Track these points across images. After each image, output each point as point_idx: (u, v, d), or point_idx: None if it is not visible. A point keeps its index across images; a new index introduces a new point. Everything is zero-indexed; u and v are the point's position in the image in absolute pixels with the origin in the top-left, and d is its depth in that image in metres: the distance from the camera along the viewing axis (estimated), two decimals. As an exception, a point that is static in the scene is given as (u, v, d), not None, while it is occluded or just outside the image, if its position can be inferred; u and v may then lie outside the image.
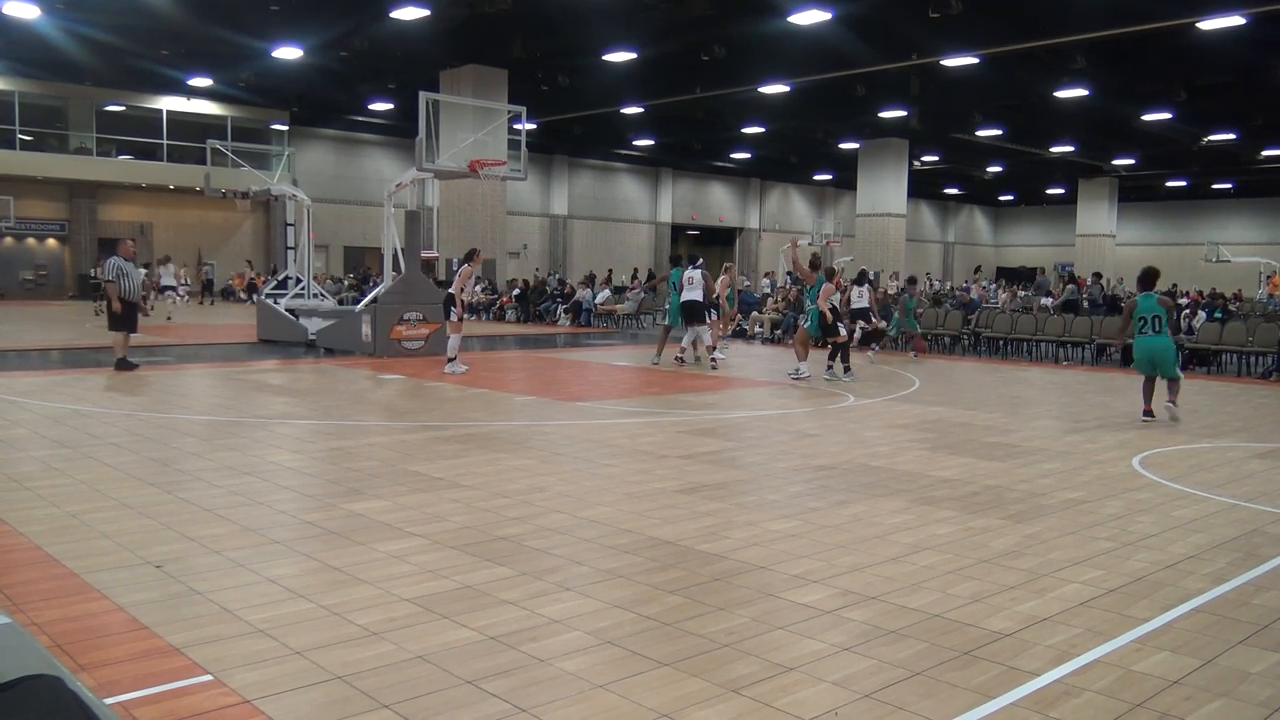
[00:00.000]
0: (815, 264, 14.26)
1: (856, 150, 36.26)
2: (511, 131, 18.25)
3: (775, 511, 6.18)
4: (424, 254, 21.00)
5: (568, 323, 25.88)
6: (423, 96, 15.11)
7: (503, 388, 11.82)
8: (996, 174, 44.40)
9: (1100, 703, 3.49)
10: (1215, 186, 46.43)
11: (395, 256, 16.23)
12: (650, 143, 38.63)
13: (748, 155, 41.28)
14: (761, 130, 32.78)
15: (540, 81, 25.64)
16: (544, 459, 7.75)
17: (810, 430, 9.48)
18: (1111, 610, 4.46)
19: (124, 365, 12.81)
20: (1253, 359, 16.80)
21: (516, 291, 28.27)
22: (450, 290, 13.92)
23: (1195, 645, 4.06)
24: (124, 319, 12.87)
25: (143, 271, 14.28)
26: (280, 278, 21.34)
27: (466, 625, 4.06)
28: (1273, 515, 6.36)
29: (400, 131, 35.34)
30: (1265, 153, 35.20)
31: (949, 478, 7.31)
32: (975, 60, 21.42)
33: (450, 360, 13.72)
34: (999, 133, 31.83)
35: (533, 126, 28.22)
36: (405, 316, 15.80)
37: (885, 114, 28.87)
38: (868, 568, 5.00)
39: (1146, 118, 27.89)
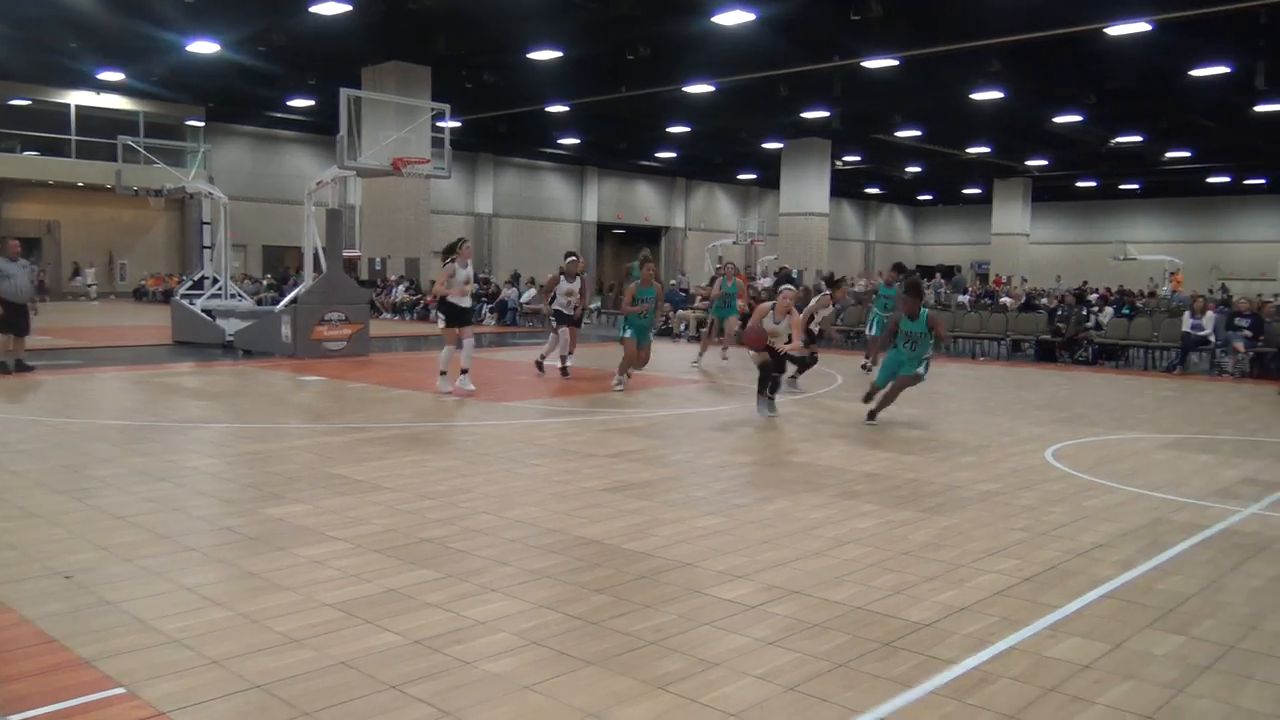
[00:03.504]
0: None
1: (780, 150, 36.67)
2: (435, 129, 18.05)
3: (701, 508, 6.23)
4: (346, 253, 20.65)
5: (493, 322, 25.71)
6: (344, 93, 14.86)
7: (428, 388, 11.69)
8: (916, 174, 45.33)
9: (1015, 689, 3.59)
10: (1123, 187, 48.03)
11: (316, 256, 15.94)
12: (576, 141, 38.60)
13: (673, 154, 41.48)
14: (687, 129, 32.98)
15: (464, 79, 25.43)
16: (470, 460, 7.69)
17: (735, 426, 9.56)
18: (1026, 599, 4.59)
19: (19, 368, 12.43)
20: (1158, 353, 17.42)
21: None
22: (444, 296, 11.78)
23: (1104, 630, 4.20)
24: (7, 322, 12.43)
25: (34, 269, 13.68)
26: (196, 278, 20.80)
27: (390, 629, 4.01)
28: (1177, 504, 6.60)
29: (321, 129, 34.72)
30: (1169, 154, 36.52)
31: (870, 472, 7.44)
32: (895, 62, 21.83)
33: (442, 374, 11.48)
34: (918, 134, 32.50)
35: (457, 124, 28.00)
36: (327, 317, 15.53)
37: (808, 114, 29.27)
38: (792, 562, 5.07)
39: (1058, 120, 28.72)
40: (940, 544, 5.49)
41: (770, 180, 42.00)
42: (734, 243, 35.57)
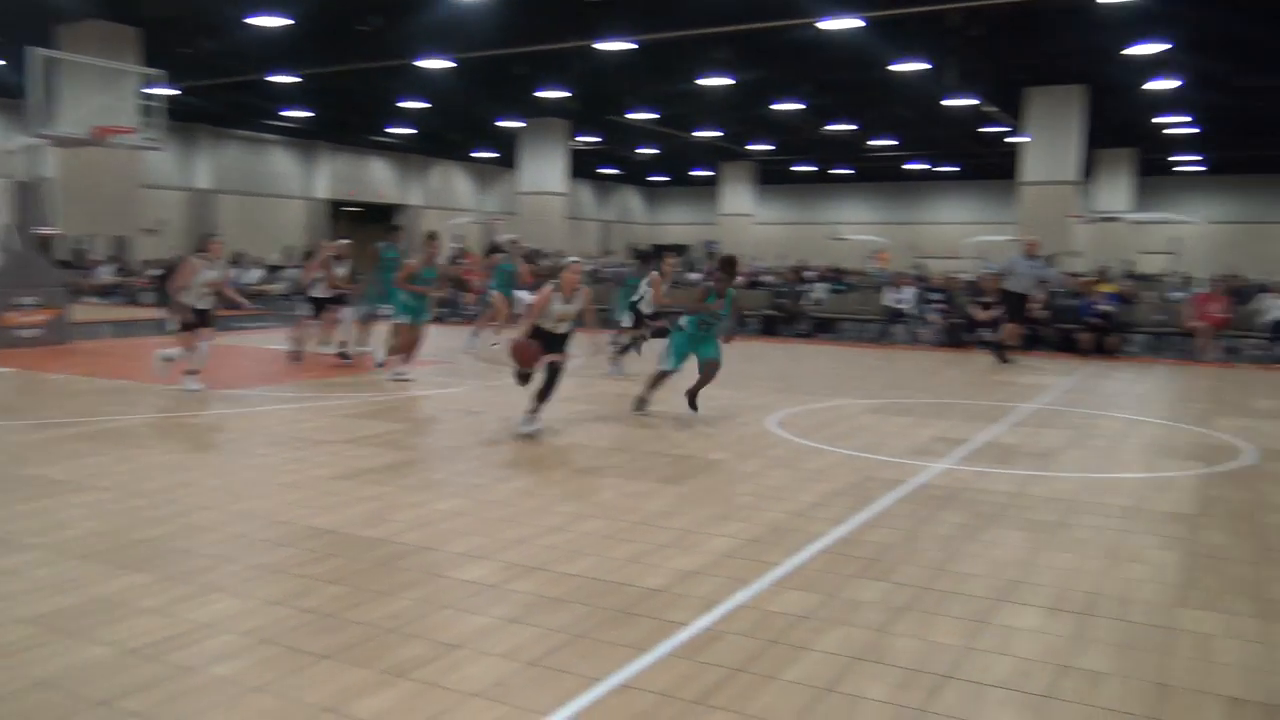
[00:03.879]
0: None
1: (518, 129, 36.62)
2: (147, 97, 16.61)
3: (441, 491, 6.16)
4: (40, 230, 18.64)
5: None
6: (34, 53, 13.37)
7: (139, 376, 10.78)
8: (650, 155, 46.63)
9: (742, 643, 3.82)
10: (836, 172, 51.67)
11: (4, 233, 14.28)
12: (305, 115, 36.73)
13: (409, 131, 40.42)
14: (423, 106, 32.20)
15: (179, 43, 23.51)
16: (189, 452, 7.20)
17: (475, 408, 9.51)
18: (751, 558, 4.88)
19: None
20: (866, 325, 18.94)
21: (158, 272, 25.88)
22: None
23: (820, 582, 4.55)
24: None
25: None
26: None
27: (98, 641, 3.70)
28: (881, 463, 7.23)
29: (9, 91, 31.04)
30: (875, 142, 39.64)
31: (609, 447, 7.64)
32: (630, 46, 22.32)
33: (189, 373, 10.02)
34: (652, 116, 33.41)
35: (175, 92, 25.83)
36: (17, 301, 13.97)
37: (545, 94, 29.36)
38: (531, 539, 5.12)
39: (780, 107, 30.44)
40: (673, 512, 5.72)
41: (509, 159, 41.86)
42: (472, 221, 35.22)
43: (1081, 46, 22.18)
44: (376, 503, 5.80)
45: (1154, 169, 44.70)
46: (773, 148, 42.73)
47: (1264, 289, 17.42)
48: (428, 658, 3.62)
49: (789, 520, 5.60)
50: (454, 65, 25.33)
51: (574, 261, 8.33)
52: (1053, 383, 12.26)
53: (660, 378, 9.09)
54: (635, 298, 12.17)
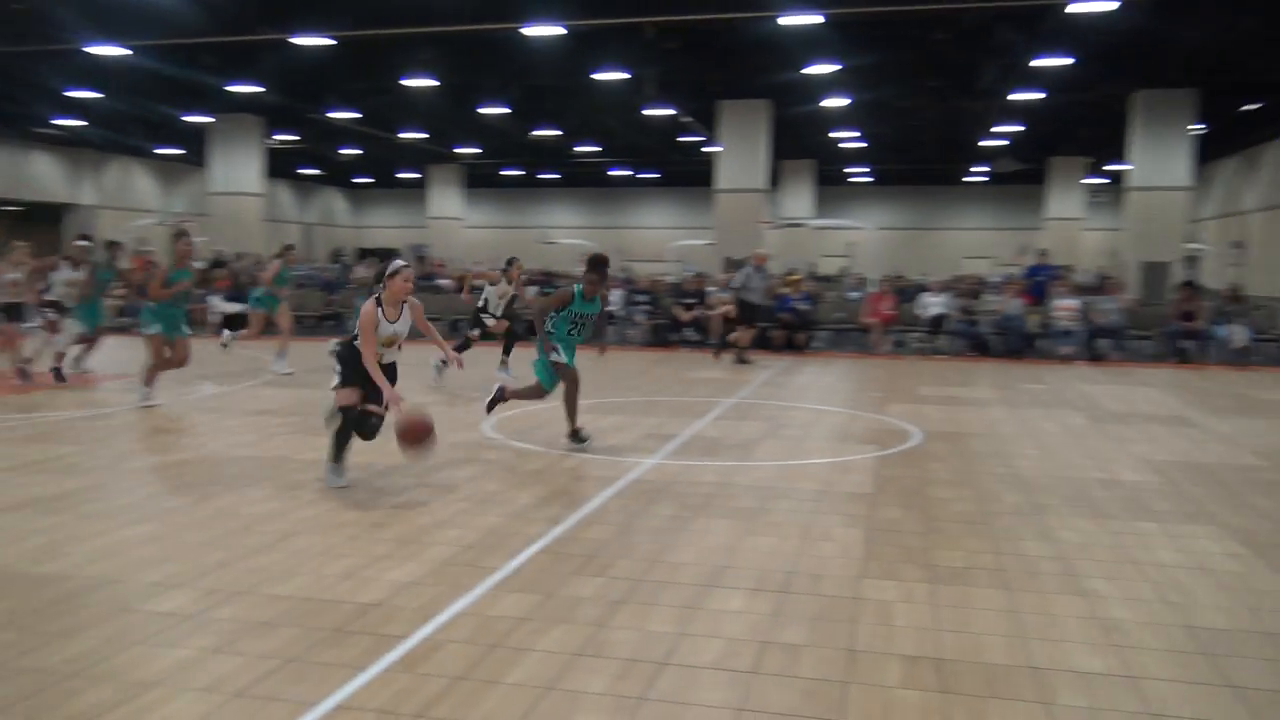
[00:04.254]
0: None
1: (207, 124, 34.18)
2: None
3: (128, 516, 5.64)
4: None
5: None
6: None
7: None
8: (353, 156, 45.08)
9: (463, 651, 3.80)
10: (544, 176, 52.39)
11: None
12: (-54, 101, 32.29)
13: (80, 123, 36.63)
14: (97, 96, 29.28)
15: None
16: None
17: (164, 425, 8.79)
18: (470, 564, 4.85)
19: None
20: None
21: None
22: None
23: (539, 583, 4.60)
24: None
25: None
26: None
27: None
28: (595, 461, 7.42)
29: None
30: (580, 148, 40.58)
31: (313, 459, 7.31)
32: (329, 41, 21.45)
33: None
34: (354, 115, 32.30)
35: None
36: None
37: (237, 88, 27.62)
38: (235, 562, 4.81)
39: (486, 111, 30.43)
40: (389, 523, 5.58)
41: (198, 156, 39.01)
42: (158, 223, 32.49)
43: (766, 64, 23.84)
44: (51, 535, 5.22)
45: (831, 179, 48.86)
46: (480, 151, 42.63)
47: (924, 288, 19.50)
48: (116, 701, 3.31)
49: (507, 524, 5.62)
50: (129, 53, 23.29)
51: (404, 267, 6.29)
52: (749, 378, 13.09)
53: (536, 396, 8.09)
54: (480, 303, 12.08)
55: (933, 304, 17.75)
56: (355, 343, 6.27)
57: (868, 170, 48.05)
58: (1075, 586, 4.67)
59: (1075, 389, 12.29)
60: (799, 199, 43.48)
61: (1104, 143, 35.43)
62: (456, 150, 42.48)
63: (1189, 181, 30.98)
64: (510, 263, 12.41)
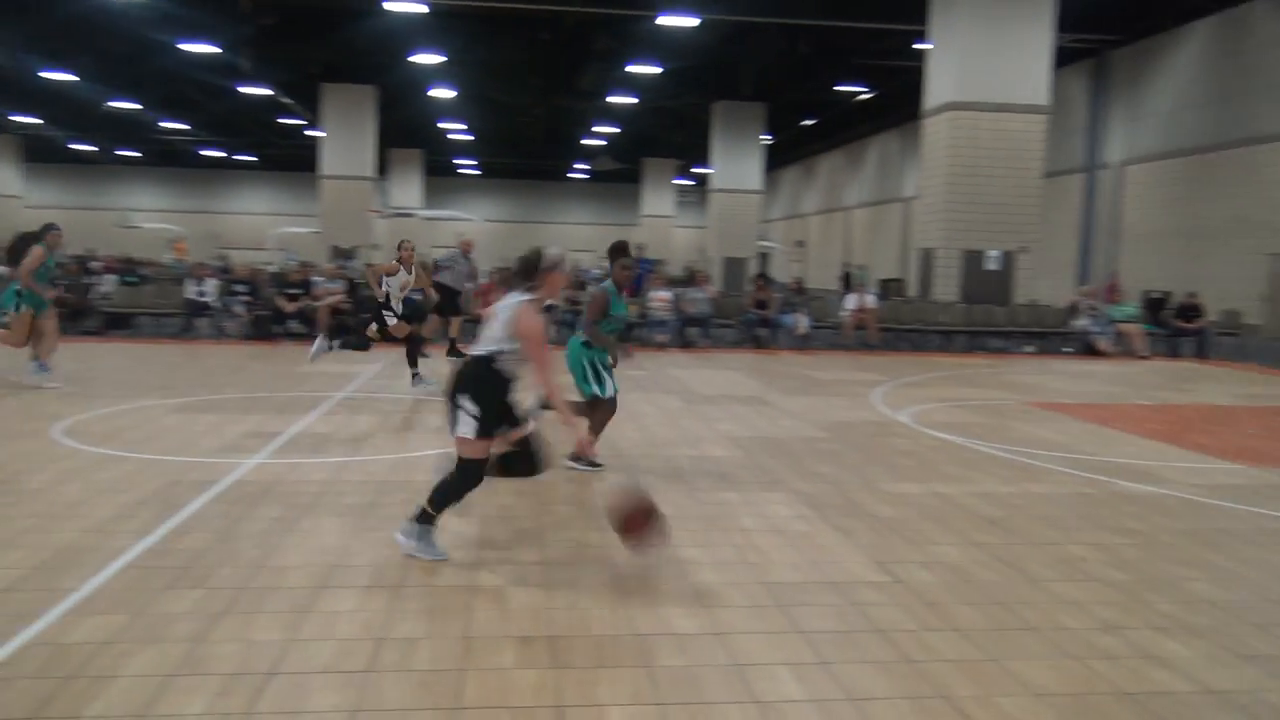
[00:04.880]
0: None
1: None
2: None
3: None
4: None
5: None
6: None
7: None
8: None
9: (32, 687, 3.36)
10: (124, 153, 47.27)
11: None
12: None
13: None
14: None
15: None
16: None
17: None
18: (40, 588, 4.30)
19: None
20: (165, 319, 17.71)
21: None
22: None
23: (126, 601, 4.18)
24: None
25: None
26: None
27: None
28: (190, 464, 6.86)
29: None
30: (166, 124, 37.11)
31: None
32: None
33: None
34: None
35: None
36: None
37: None
38: None
39: (49, 76, 26.86)
40: (-70, 550, 4.78)
41: None
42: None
43: (371, 49, 23.26)
44: None
45: (441, 170, 48.70)
46: (41, 121, 37.61)
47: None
48: None
49: (85, 538, 5.03)
50: None
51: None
52: (360, 370, 12.75)
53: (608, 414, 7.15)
54: (383, 298, 10.26)
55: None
56: (496, 362, 4.72)
57: (476, 163, 48.57)
58: (671, 555, 5.08)
59: (670, 374, 13.31)
60: (408, 189, 42.99)
61: (691, 147, 38.71)
62: (12, 118, 37.13)
63: (761, 186, 34.67)
64: (399, 247, 10.82)
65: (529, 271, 4.80)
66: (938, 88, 19.61)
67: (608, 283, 7.15)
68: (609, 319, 7.02)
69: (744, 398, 11.19)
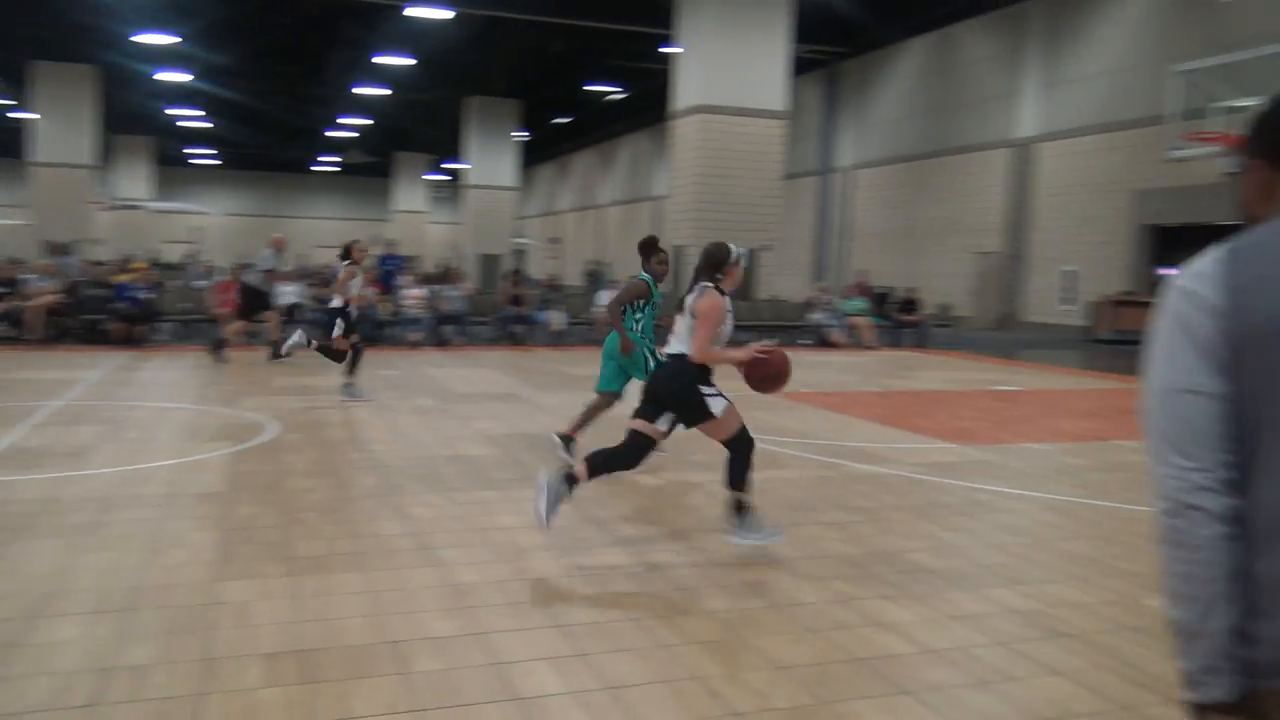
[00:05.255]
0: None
1: None
2: None
3: None
4: None
5: None
6: None
7: None
8: None
9: None
10: None
11: None
12: None
13: None
14: None
15: None
16: None
17: None
18: None
19: None
20: None
21: None
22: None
23: None
24: None
25: None
26: None
27: None
28: (-128, 488, 6.05)
29: None
30: None
31: None
32: None
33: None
34: None
35: None
36: None
37: None
38: None
39: None
40: None
41: None
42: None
43: (90, 25, 21.34)
44: None
45: (173, 160, 45.41)
46: None
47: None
48: None
49: None
50: None
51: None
52: (80, 376, 11.68)
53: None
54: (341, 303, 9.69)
55: (286, 293, 17.50)
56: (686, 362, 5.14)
57: (214, 153, 45.63)
58: (428, 559, 4.99)
59: (424, 373, 13.06)
60: (135, 179, 39.80)
61: (444, 142, 38.12)
62: None
63: (516, 183, 34.68)
64: (350, 249, 10.10)
65: (717, 265, 5.23)
66: (685, 91, 20.33)
67: (643, 274, 7.23)
68: (652, 306, 7.19)
69: (500, 395, 11.16)
